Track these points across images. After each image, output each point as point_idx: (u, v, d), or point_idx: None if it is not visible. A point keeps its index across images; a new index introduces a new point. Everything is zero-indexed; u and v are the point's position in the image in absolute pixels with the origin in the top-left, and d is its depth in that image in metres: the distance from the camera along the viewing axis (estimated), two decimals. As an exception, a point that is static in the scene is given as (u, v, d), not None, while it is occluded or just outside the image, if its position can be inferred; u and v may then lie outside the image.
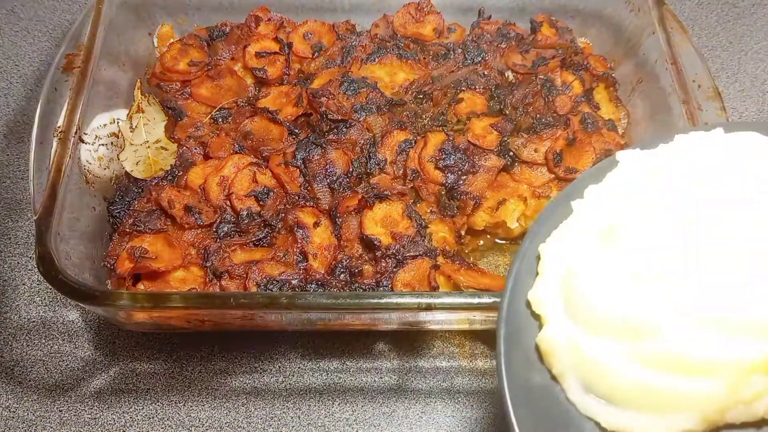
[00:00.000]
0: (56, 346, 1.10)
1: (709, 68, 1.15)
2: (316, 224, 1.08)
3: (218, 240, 1.07)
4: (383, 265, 1.04)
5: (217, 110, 1.23)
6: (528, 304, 0.57)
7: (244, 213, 1.09)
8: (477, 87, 1.25)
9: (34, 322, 1.12)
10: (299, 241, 1.05)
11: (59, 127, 1.03)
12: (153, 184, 1.13)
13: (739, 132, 0.62)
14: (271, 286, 1.01)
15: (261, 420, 1.04)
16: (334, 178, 1.13)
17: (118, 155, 1.15)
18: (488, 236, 1.20)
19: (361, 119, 1.18)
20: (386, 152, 1.16)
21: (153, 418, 1.04)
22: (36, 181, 0.98)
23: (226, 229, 1.08)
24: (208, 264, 1.04)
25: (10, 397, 1.05)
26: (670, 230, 0.54)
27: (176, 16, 1.38)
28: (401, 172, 1.15)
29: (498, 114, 1.22)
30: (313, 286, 1.02)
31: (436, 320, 1.04)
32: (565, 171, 1.14)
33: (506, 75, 1.29)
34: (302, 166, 1.14)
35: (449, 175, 1.12)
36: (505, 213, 1.13)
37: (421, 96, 1.24)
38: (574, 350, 0.53)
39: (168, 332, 1.10)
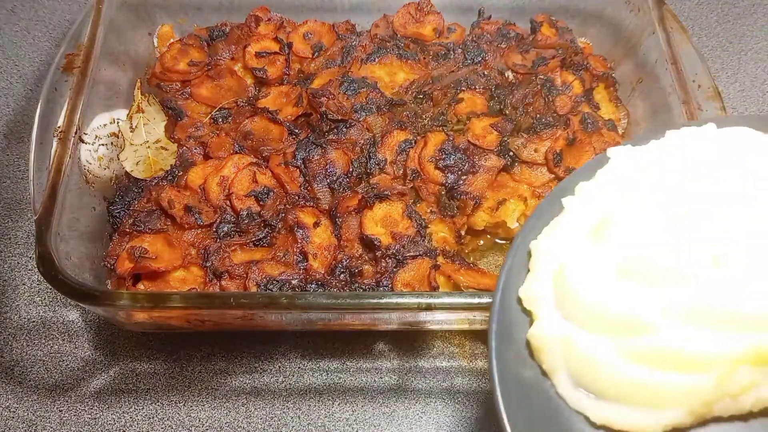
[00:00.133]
0: (56, 346, 1.10)
1: (709, 68, 1.15)
2: (316, 224, 1.08)
3: (218, 240, 1.07)
4: (383, 265, 1.04)
5: (217, 110, 1.23)
6: (519, 301, 0.57)
7: (244, 213, 1.09)
8: (477, 87, 1.25)
9: (34, 322, 1.12)
10: (299, 241, 1.05)
11: (59, 127, 1.03)
12: (153, 184, 1.13)
13: (731, 127, 0.63)
14: (271, 286, 1.01)
15: (261, 420, 1.04)
16: (334, 178, 1.13)
17: (118, 155, 1.15)
18: (488, 236, 1.20)
19: (361, 119, 1.18)
20: (386, 152, 1.16)
21: (153, 418, 1.04)
22: (36, 181, 0.98)
23: (226, 229, 1.08)
24: (208, 264, 1.04)
25: (10, 397, 1.05)
26: (662, 226, 0.55)
27: (176, 16, 1.38)
28: (401, 172, 1.15)
29: (498, 114, 1.22)
30: (313, 286, 1.02)
31: (436, 320, 1.04)
32: (565, 171, 1.14)
33: (506, 75, 1.29)
34: (302, 166, 1.14)
35: (449, 175, 1.12)
36: (505, 213, 1.13)
37: (421, 96, 1.24)
38: (564, 346, 0.53)
39: (168, 332, 1.10)
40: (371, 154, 1.15)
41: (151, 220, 1.08)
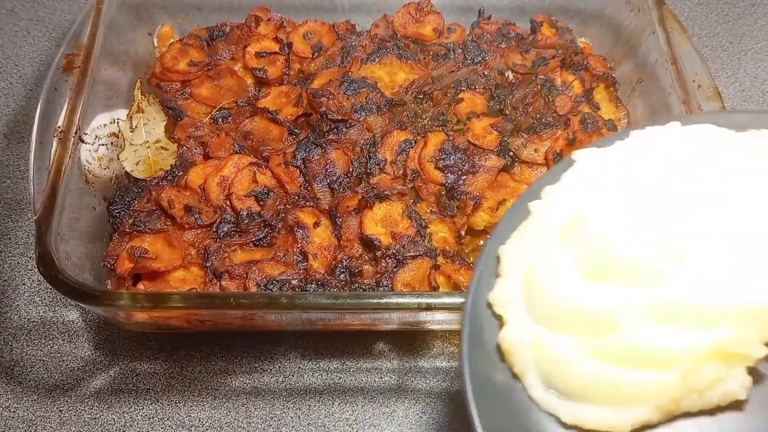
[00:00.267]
0: (56, 346, 1.10)
1: (709, 68, 1.15)
2: (316, 224, 1.08)
3: (218, 240, 1.07)
4: (383, 265, 1.04)
5: (217, 110, 1.23)
6: (490, 306, 0.58)
7: (244, 213, 1.09)
8: (477, 87, 1.26)
9: (34, 322, 1.12)
10: (299, 241, 1.05)
11: (59, 127, 1.03)
12: (153, 184, 1.13)
13: (695, 125, 0.63)
14: (271, 286, 1.01)
15: (261, 420, 1.04)
16: (334, 178, 1.13)
17: (118, 155, 1.16)
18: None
19: (361, 119, 1.18)
20: (386, 152, 1.16)
21: (153, 418, 1.04)
22: (36, 181, 0.98)
23: (226, 229, 1.08)
24: (208, 264, 1.04)
25: (10, 397, 1.05)
26: (626, 226, 0.55)
27: (176, 16, 1.38)
28: (401, 172, 1.15)
29: (498, 114, 1.22)
30: (313, 286, 1.02)
31: (436, 320, 1.04)
32: (565, 171, 1.14)
33: (506, 75, 1.29)
34: (302, 166, 1.14)
35: (449, 175, 1.12)
36: (505, 213, 1.13)
37: (421, 96, 1.24)
38: (535, 348, 0.54)
39: (168, 332, 1.10)
40: (371, 154, 1.15)
41: (151, 220, 1.08)
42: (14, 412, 1.04)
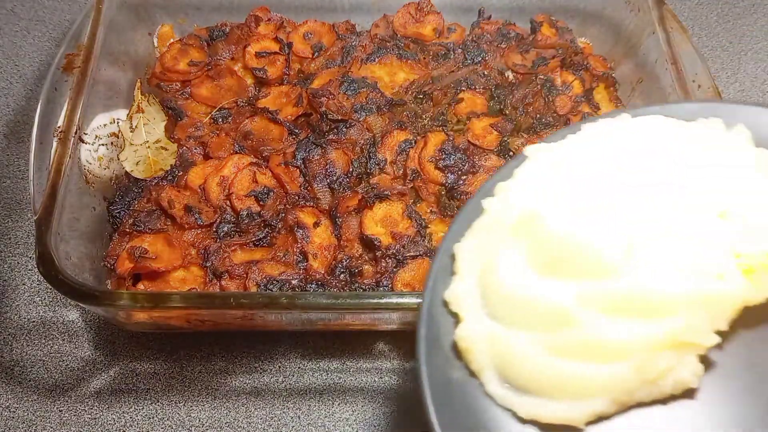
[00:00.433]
0: (56, 346, 1.10)
1: (709, 68, 1.15)
2: (316, 224, 1.08)
3: (218, 240, 1.07)
4: (383, 265, 1.04)
5: (217, 110, 1.23)
6: (445, 304, 0.58)
7: (244, 213, 1.09)
8: (477, 87, 1.26)
9: (34, 322, 1.12)
10: (299, 241, 1.05)
11: (59, 127, 1.03)
12: (153, 184, 1.13)
13: (644, 116, 0.64)
14: (271, 286, 1.01)
15: (261, 420, 1.04)
16: (334, 178, 1.13)
17: (118, 155, 1.16)
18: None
19: (361, 119, 1.18)
20: (386, 152, 1.16)
21: (153, 418, 1.04)
22: (36, 181, 0.98)
23: (226, 229, 1.08)
24: (208, 264, 1.04)
25: (10, 397, 1.05)
26: (577, 219, 0.55)
27: (176, 16, 1.38)
28: (401, 172, 1.15)
29: (498, 114, 1.22)
30: (313, 286, 1.02)
31: (436, 320, 1.04)
32: (565, 171, 1.14)
33: (506, 75, 1.29)
34: (302, 166, 1.14)
35: (449, 175, 1.12)
36: (505, 213, 1.13)
37: (421, 96, 1.24)
38: (490, 345, 0.54)
39: (168, 332, 1.10)
40: (371, 154, 1.15)
41: (151, 220, 1.08)
42: (14, 412, 1.04)
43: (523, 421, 0.52)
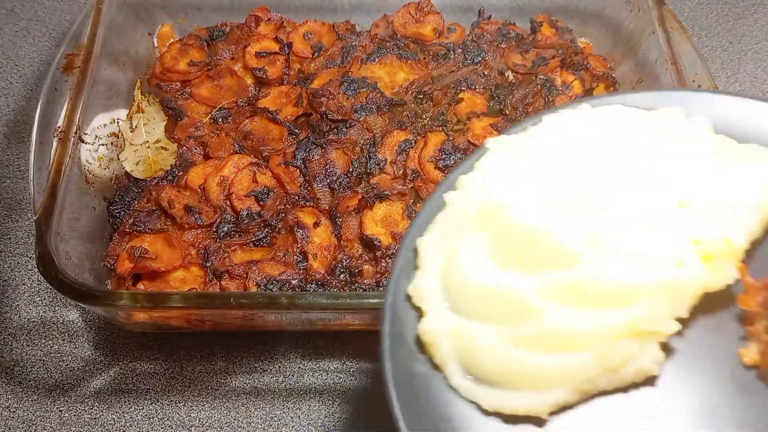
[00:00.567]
0: (56, 346, 1.10)
1: (709, 68, 1.15)
2: (316, 224, 1.08)
3: (218, 240, 1.07)
4: (383, 265, 1.04)
5: (217, 110, 1.23)
6: (409, 299, 0.58)
7: (244, 213, 1.09)
8: (477, 87, 1.26)
9: (34, 322, 1.12)
10: (299, 241, 1.05)
11: (59, 127, 1.03)
12: (153, 184, 1.13)
13: (604, 106, 0.64)
14: (271, 286, 1.01)
15: (261, 420, 1.04)
16: (334, 178, 1.13)
17: (118, 155, 1.16)
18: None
19: (361, 119, 1.18)
20: (386, 152, 1.16)
21: (153, 418, 1.04)
22: (36, 181, 0.98)
23: (226, 229, 1.08)
24: (208, 264, 1.04)
25: (10, 397, 1.05)
26: (538, 210, 0.55)
27: (176, 16, 1.38)
28: (401, 172, 1.15)
29: (498, 114, 1.22)
30: (313, 286, 1.02)
31: (436, 320, 1.04)
32: (565, 171, 1.14)
33: (506, 75, 1.29)
34: (302, 166, 1.14)
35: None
36: (505, 213, 1.13)
37: (421, 96, 1.24)
38: (454, 338, 0.54)
39: (168, 332, 1.10)
40: (371, 154, 1.15)
41: (151, 220, 1.08)
42: (14, 412, 1.04)
43: (487, 413, 0.52)
